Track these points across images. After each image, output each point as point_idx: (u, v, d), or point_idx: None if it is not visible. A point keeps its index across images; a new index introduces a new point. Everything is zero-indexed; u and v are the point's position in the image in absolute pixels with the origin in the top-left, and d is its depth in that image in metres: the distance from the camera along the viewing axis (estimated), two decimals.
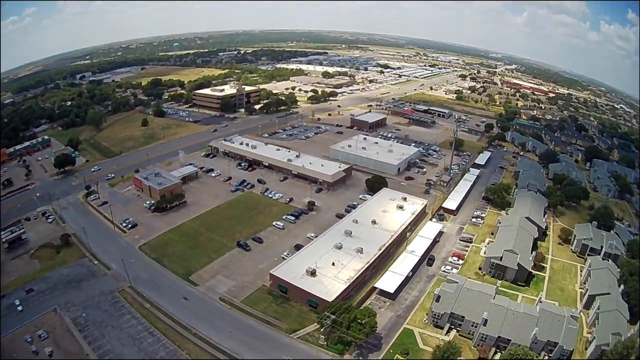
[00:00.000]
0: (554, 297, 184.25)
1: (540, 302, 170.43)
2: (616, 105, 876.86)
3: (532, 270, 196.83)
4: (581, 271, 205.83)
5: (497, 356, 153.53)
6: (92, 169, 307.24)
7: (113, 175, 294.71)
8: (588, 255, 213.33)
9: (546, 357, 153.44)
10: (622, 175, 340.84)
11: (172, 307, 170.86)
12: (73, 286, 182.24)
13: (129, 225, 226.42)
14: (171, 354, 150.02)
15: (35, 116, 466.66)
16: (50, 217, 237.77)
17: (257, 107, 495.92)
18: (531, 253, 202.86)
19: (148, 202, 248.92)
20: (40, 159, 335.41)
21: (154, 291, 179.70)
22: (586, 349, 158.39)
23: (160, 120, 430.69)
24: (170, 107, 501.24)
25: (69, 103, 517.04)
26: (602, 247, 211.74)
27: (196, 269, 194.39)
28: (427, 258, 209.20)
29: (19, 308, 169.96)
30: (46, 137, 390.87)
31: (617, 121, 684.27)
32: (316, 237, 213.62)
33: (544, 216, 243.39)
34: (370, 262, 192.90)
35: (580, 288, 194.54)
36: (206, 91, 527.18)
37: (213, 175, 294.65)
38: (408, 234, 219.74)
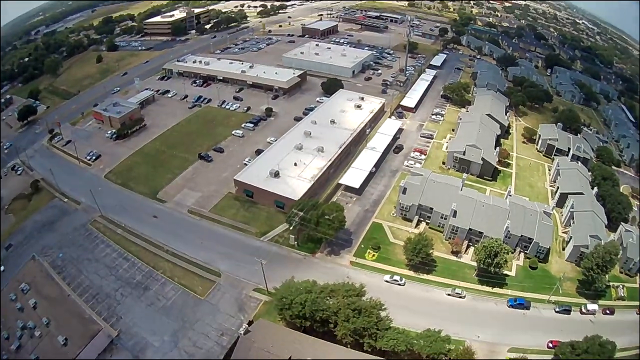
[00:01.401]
0: (523, 193, 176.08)
1: (510, 195, 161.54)
2: (578, 20, 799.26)
3: (497, 166, 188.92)
4: (549, 170, 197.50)
5: (471, 250, 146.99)
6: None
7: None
8: (555, 155, 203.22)
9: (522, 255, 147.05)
10: (587, 84, 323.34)
11: (143, 227, 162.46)
12: (47, 229, 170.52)
13: (93, 157, 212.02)
14: (147, 276, 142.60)
15: None
16: (19, 169, 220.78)
17: (207, 27, 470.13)
18: (495, 149, 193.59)
19: (110, 132, 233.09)
20: (4, 118, 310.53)
21: (124, 215, 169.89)
22: (563, 249, 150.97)
23: (114, 54, 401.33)
24: (123, 40, 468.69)
25: (26, 59, 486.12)
26: (569, 149, 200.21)
27: (162, 187, 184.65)
28: (395, 147, 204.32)
29: (1, 268, 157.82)
30: (8, 96, 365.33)
31: (579, 35, 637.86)
32: (276, 140, 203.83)
33: (505, 114, 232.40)
34: (332, 159, 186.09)
35: (551, 186, 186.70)
36: (156, 19, 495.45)
37: (169, 96, 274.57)
38: (368, 130, 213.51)
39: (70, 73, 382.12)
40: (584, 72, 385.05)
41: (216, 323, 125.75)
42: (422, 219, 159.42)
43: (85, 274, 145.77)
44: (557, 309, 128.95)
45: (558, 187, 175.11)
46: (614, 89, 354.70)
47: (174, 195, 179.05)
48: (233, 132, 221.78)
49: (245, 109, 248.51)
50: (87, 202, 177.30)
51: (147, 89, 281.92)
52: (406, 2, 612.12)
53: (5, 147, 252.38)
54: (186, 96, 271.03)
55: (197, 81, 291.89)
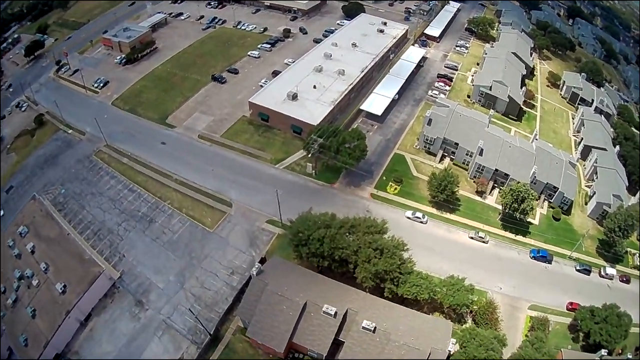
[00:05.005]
0: (547, 138, 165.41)
1: (536, 139, 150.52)
2: None
3: (522, 106, 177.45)
4: (573, 119, 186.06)
5: (495, 191, 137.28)
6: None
7: None
8: (578, 104, 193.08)
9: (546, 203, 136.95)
10: (608, 41, 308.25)
11: (151, 155, 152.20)
12: (50, 164, 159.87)
13: (101, 85, 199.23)
14: (153, 208, 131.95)
15: (3, 24, 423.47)
16: (24, 105, 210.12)
17: None
18: (521, 88, 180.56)
19: (119, 57, 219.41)
20: (11, 57, 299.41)
21: (131, 143, 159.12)
22: (586, 203, 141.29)
23: None
24: None
25: None
26: (592, 100, 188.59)
27: (172, 111, 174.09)
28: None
29: (1, 213, 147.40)
30: (16, 35, 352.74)
31: None
32: (294, 62, 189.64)
33: (530, 56, 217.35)
34: (354, 83, 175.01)
35: (574, 135, 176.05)
36: None
37: (183, 18, 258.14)
38: (391, 56, 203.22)
39: (79, 4, 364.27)
40: (604, 29, 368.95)
41: (226, 260, 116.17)
42: (446, 154, 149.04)
43: (87, 209, 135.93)
44: (578, 267, 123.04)
45: (582, 139, 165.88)
46: (633, 53, 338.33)
47: (185, 119, 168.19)
48: (249, 53, 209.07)
49: (262, 29, 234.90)
50: (92, 131, 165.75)
51: (159, 13, 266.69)
52: None
53: (4, 86, 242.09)
54: (201, 17, 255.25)
55: (212, 2, 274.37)
